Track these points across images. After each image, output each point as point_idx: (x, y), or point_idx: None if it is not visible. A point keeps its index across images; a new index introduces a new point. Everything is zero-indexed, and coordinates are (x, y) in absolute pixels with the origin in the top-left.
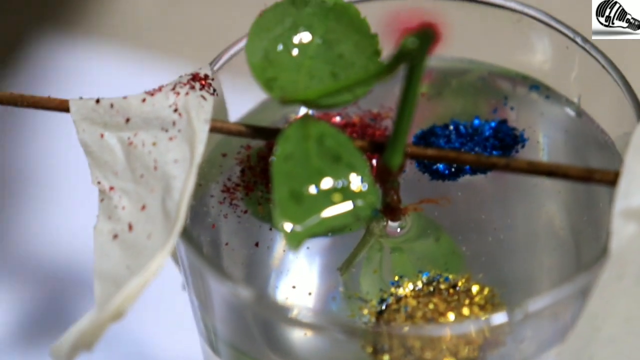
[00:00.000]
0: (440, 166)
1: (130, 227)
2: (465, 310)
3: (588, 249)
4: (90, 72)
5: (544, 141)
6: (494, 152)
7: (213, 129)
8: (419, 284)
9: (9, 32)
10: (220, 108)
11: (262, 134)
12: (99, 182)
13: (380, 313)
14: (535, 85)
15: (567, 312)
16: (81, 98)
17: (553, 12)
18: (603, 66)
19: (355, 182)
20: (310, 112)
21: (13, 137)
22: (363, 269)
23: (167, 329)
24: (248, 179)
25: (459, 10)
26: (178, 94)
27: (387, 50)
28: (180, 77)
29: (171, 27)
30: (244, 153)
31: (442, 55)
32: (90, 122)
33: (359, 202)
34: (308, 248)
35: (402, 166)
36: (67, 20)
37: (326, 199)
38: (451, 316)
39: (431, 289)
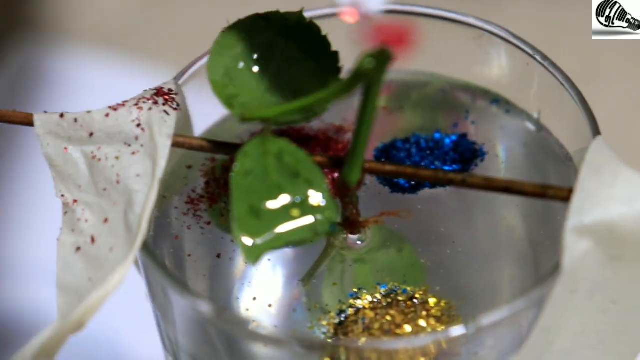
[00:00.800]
0: (401, 180)
1: (93, 239)
2: (422, 322)
3: (547, 261)
4: (69, 76)
5: (503, 155)
6: (454, 166)
7: (175, 144)
8: (378, 296)
9: None
10: (184, 121)
11: (223, 148)
12: (62, 195)
13: (339, 325)
14: (496, 99)
15: (523, 324)
16: (46, 112)
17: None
18: (561, 83)
19: (314, 197)
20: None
21: None
22: (325, 281)
23: (134, 334)
24: (212, 190)
25: (421, 26)
26: (141, 109)
27: (348, 66)
28: (145, 91)
29: (151, 31)
30: (208, 165)
31: (403, 69)
32: (54, 136)
33: (318, 217)
34: (269, 260)
35: (361, 182)
36: (43, 24)
37: (285, 214)
38: (408, 328)
39: (389, 300)
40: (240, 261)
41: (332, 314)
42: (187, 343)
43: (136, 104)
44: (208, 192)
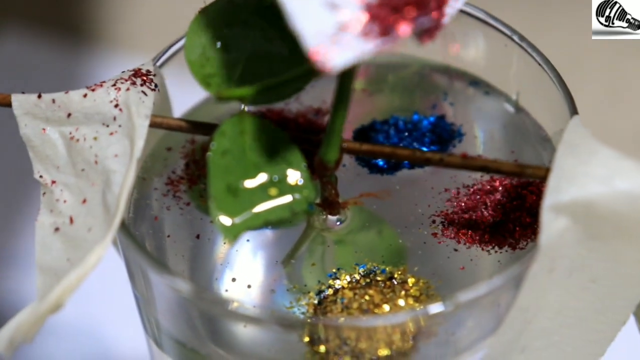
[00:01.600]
0: (379, 160)
1: (71, 220)
2: (400, 302)
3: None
4: (43, 66)
5: (481, 136)
6: (432, 147)
7: (153, 124)
8: (356, 276)
9: None
10: (163, 103)
11: (201, 128)
12: (40, 176)
13: (318, 304)
14: (474, 81)
15: (501, 305)
16: (23, 92)
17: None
18: (540, 64)
19: (292, 176)
20: (246, 108)
21: None
22: (305, 262)
23: (115, 319)
24: (192, 172)
25: None
26: (119, 89)
27: None
28: (122, 72)
29: (123, 18)
30: (188, 147)
31: (380, 51)
32: (32, 117)
33: (296, 196)
34: (248, 241)
35: (339, 161)
36: (12, 10)
37: (262, 192)
38: (386, 307)
39: (368, 280)
40: (219, 242)
41: (311, 294)
42: (167, 325)
43: (114, 85)
44: (188, 174)
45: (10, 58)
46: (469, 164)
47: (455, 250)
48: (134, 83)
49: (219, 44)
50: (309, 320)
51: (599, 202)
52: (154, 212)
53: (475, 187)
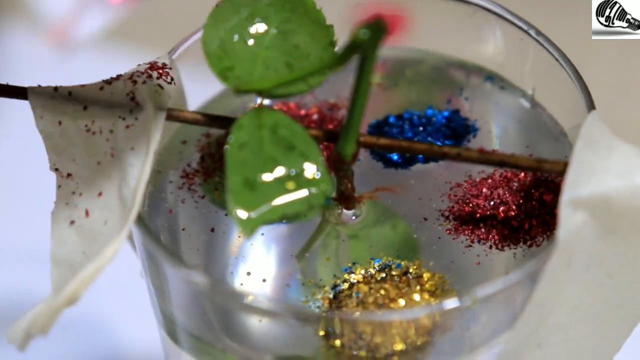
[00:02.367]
0: (394, 155)
1: (87, 213)
2: (416, 296)
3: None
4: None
5: (497, 131)
6: (447, 142)
7: (170, 118)
8: (372, 271)
9: None
10: (178, 96)
11: (218, 122)
12: (56, 169)
13: (333, 299)
14: (490, 77)
15: (516, 300)
16: (40, 86)
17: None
18: (556, 59)
19: (309, 170)
20: (265, 101)
21: None
22: (319, 256)
23: (127, 316)
24: (207, 165)
25: (415, 2)
26: (135, 82)
27: (342, 41)
28: (138, 65)
29: (138, 14)
30: (204, 140)
31: (397, 46)
32: (48, 110)
33: (313, 190)
34: (263, 234)
35: (356, 155)
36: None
37: (280, 186)
38: (401, 302)
39: (383, 275)
40: (234, 236)
41: (327, 288)
42: (182, 318)
43: (130, 78)
44: (203, 167)
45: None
46: (487, 158)
47: (470, 245)
48: (150, 76)
49: (236, 37)
50: (324, 315)
51: (617, 197)
52: (168, 205)
53: (489, 182)
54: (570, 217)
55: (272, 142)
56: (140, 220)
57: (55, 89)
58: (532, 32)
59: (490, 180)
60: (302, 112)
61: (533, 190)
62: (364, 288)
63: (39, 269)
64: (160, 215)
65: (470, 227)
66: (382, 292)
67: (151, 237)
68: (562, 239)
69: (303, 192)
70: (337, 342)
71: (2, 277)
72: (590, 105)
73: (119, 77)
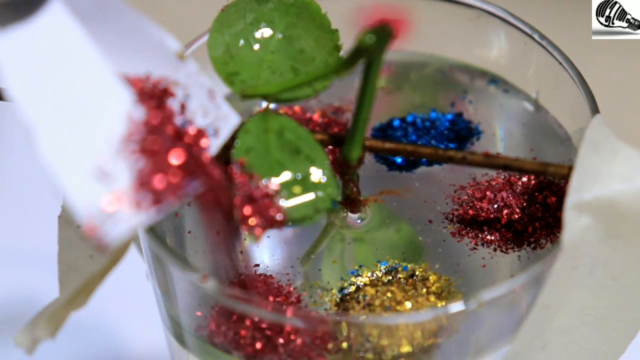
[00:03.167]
0: (397, 157)
1: None
2: (422, 299)
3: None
4: None
5: (501, 134)
6: (450, 145)
7: None
8: (378, 273)
9: None
10: None
11: None
12: None
13: (340, 301)
14: (494, 80)
15: (522, 302)
16: None
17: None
18: (560, 62)
19: (315, 174)
20: (271, 105)
21: None
22: (324, 259)
23: (133, 318)
24: None
25: (419, 6)
26: None
27: (348, 45)
28: None
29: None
30: None
31: (402, 50)
32: None
33: (319, 194)
34: (268, 237)
35: (362, 159)
36: None
37: (286, 190)
38: (408, 304)
39: (390, 277)
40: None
41: (334, 291)
42: (187, 320)
43: None
44: None
45: None
46: (491, 162)
47: (475, 248)
48: None
49: (242, 42)
50: (332, 318)
51: (621, 200)
52: (174, 209)
53: (493, 185)
54: (575, 221)
55: (279, 146)
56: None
57: None
58: (536, 36)
59: (494, 183)
60: (307, 115)
61: (537, 193)
62: (371, 291)
63: (45, 272)
64: (166, 219)
65: (475, 230)
66: (389, 294)
67: (157, 240)
68: (567, 242)
69: (309, 196)
70: (344, 345)
71: (10, 280)
72: (595, 109)
73: None
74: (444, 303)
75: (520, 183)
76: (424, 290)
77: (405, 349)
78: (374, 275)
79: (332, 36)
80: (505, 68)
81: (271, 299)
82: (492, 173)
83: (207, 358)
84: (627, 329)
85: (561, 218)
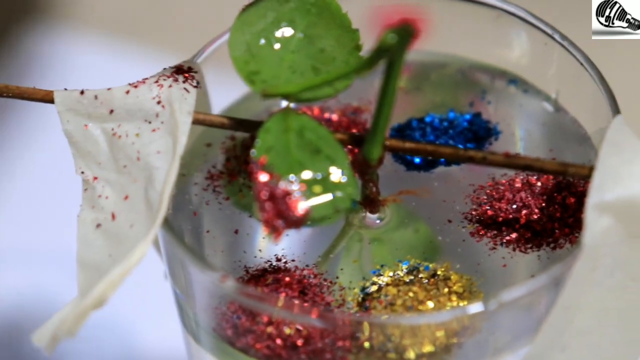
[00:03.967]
0: (415, 157)
1: (113, 216)
2: (444, 299)
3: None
4: (76, 62)
5: (520, 134)
6: (468, 145)
7: (196, 121)
8: (400, 273)
9: None
10: (202, 100)
11: (243, 126)
12: (82, 172)
13: (362, 301)
14: (514, 80)
15: (542, 302)
16: (66, 89)
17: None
18: (581, 63)
19: (335, 174)
20: (291, 105)
21: None
22: (342, 260)
23: (151, 318)
24: (232, 167)
25: (439, 6)
26: (161, 86)
27: (368, 45)
28: (164, 69)
29: (158, 17)
30: (229, 143)
31: (421, 50)
32: (74, 113)
33: (339, 194)
34: (287, 235)
35: (381, 159)
36: (52, 10)
37: (306, 190)
38: (430, 304)
39: (411, 277)
40: (258, 238)
41: (356, 291)
42: (207, 320)
43: (156, 81)
44: (228, 169)
45: (54, 55)
46: (512, 162)
47: (494, 248)
48: (176, 80)
49: (262, 41)
50: (353, 317)
51: None
52: (192, 207)
53: (512, 185)
54: (596, 222)
55: (299, 145)
56: (165, 222)
57: (82, 92)
58: (557, 36)
59: (512, 183)
60: (326, 115)
61: (555, 194)
62: (393, 290)
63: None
64: (185, 218)
65: (494, 230)
66: (411, 294)
67: (176, 239)
68: (588, 243)
69: (329, 196)
70: (366, 344)
71: (28, 280)
72: (615, 110)
73: (144, 80)
74: (466, 303)
75: (539, 184)
76: (446, 290)
77: (427, 348)
78: (396, 275)
79: (353, 36)
80: (525, 68)
81: (295, 297)
82: (511, 173)
83: (225, 358)
84: None
85: (580, 218)
